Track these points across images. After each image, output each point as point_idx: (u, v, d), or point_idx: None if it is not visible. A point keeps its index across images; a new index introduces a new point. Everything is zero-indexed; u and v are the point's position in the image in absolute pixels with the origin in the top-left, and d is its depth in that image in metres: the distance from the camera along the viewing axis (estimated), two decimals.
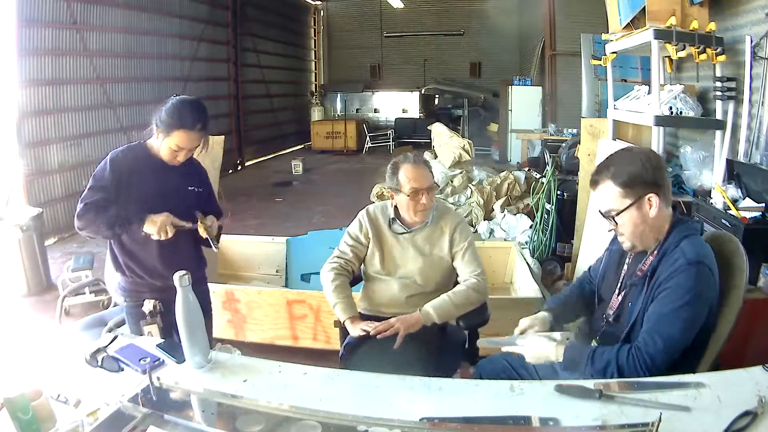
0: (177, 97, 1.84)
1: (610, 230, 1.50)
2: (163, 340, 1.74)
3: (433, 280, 2.02)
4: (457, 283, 2.04)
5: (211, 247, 1.90)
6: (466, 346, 2.05)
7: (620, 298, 1.52)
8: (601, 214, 1.48)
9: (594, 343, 1.52)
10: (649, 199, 1.41)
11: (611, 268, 1.62)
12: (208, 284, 2.20)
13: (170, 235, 1.80)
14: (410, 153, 2.14)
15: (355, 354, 1.90)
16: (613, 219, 1.44)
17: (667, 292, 1.35)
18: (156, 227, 1.78)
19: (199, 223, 1.87)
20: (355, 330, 1.86)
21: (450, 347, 2.02)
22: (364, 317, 1.99)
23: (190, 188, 1.95)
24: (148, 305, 1.88)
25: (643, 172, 1.41)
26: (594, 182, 1.48)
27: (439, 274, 2.03)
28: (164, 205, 1.84)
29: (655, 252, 1.44)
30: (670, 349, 1.32)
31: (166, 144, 1.81)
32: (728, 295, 1.46)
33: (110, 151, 1.88)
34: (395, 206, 2.07)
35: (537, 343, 1.48)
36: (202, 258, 2.11)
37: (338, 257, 2.07)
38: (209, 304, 2.18)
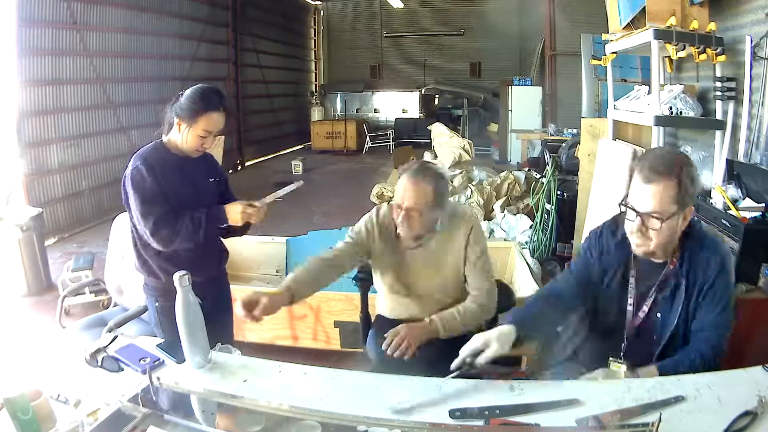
0: (192, 87, 1.83)
1: (638, 230, 1.37)
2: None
3: (450, 291, 1.90)
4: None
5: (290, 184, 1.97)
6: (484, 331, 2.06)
7: (641, 315, 1.46)
8: (646, 212, 1.34)
9: (616, 365, 1.43)
10: (686, 212, 1.37)
11: (613, 285, 1.52)
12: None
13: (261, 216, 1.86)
14: (418, 163, 1.86)
15: (378, 351, 1.77)
16: (661, 222, 1.33)
17: (715, 296, 1.38)
18: (240, 216, 1.82)
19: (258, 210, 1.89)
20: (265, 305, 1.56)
21: (470, 333, 2.00)
22: (385, 320, 1.95)
23: (210, 180, 1.96)
24: None
25: (696, 185, 1.37)
26: (660, 175, 1.32)
27: (456, 286, 1.90)
28: (193, 200, 1.84)
29: (674, 260, 1.43)
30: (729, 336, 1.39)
31: (192, 132, 1.79)
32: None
33: (133, 155, 1.84)
34: None
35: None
36: (226, 249, 2.11)
37: (329, 249, 1.88)
38: (231, 301, 2.17)
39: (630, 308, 1.47)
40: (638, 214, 1.35)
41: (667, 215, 1.33)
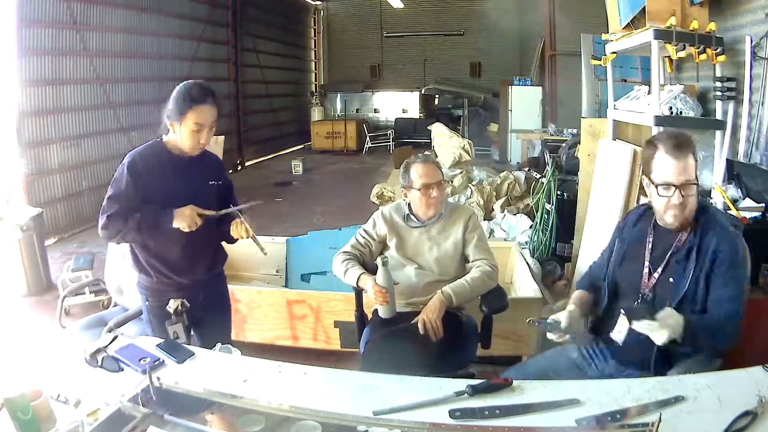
0: (177, 87, 1.82)
1: (679, 203, 1.48)
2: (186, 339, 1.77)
3: (448, 269, 2.12)
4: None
5: (261, 250, 1.84)
6: (479, 331, 2.15)
7: (657, 275, 1.56)
8: (683, 182, 1.48)
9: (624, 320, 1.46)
10: (697, 176, 1.52)
11: (631, 253, 1.66)
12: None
13: (199, 224, 1.80)
14: (420, 153, 2.25)
15: (375, 348, 1.97)
16: (696, 186, 1.50)
17: (727, 270, 1.45)
18: (186, 221, 1.77)
19: (237, 225, 1.86)
20: (369, 282, 1.98)
21: (466, 334, 2.11)
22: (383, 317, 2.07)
23: (210, 183, 1.94)
24: (173, 305, 1.85)
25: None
26: (686, 147, 1.50)
27: (454, 263, 2.13)
28: (186, 201, 1.82)
29: (689, 229, 1.53)
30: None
31: (185, 129, 1.77)
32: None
33: (127, 153, 1.84)
34: (409, 204, 2.18)
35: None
36: (223, 253, 2.09)
37: (351, 246, 2.19)
38: (228, 303, 2.19)
39: (646, 270, 1.58)
40: (677, 187, 1.47)
41: (696, 181, 1.50)
